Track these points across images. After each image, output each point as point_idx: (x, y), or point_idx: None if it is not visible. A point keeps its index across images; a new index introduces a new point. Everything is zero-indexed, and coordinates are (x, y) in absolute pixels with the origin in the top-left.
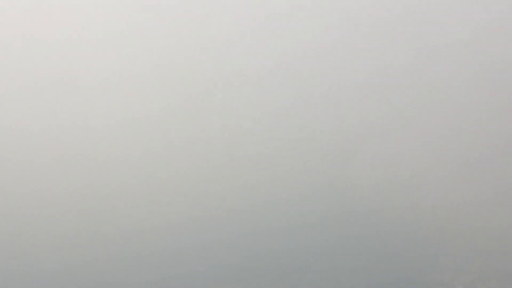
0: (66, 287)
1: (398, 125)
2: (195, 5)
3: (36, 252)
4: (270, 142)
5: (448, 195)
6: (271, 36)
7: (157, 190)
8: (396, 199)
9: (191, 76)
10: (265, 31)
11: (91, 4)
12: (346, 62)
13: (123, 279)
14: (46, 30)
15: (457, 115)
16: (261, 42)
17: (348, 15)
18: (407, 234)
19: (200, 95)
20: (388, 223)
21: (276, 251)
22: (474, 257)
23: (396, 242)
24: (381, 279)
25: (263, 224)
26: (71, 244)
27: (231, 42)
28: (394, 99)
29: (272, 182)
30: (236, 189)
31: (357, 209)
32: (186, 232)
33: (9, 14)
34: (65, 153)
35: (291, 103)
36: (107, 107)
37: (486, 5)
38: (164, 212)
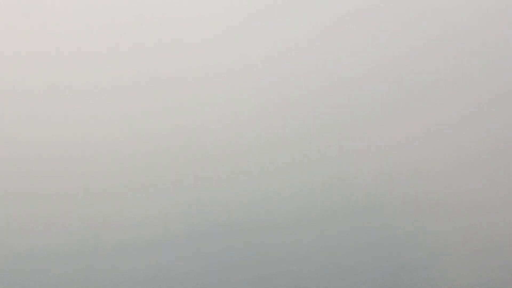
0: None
1: (398, 120)
2: (190, 5)
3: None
4: (268, 138)
5: (454, 191)
6: (261, 34)
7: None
8: (399, 194)
9: (185, 74)
10: (255, 30)
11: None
12: (342, 58)
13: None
14: (40, 35)
15: (458, 109)
16: (252, 39)
17: (340, 12)
18: (409, 229)
19: (196, 93)
20: (389, 219)
21: (272, 248)
22: (476, 256)
23: (398, 238)
24: (384, 278)
25: (258, 221)
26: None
27: (228, 40)
28: (393, 93)
29: (269, 179)
30: (230, 186)
31: (361, 204)
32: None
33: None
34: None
35: (288, 99)
36: (104, 106)
37: (485, 2)
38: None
